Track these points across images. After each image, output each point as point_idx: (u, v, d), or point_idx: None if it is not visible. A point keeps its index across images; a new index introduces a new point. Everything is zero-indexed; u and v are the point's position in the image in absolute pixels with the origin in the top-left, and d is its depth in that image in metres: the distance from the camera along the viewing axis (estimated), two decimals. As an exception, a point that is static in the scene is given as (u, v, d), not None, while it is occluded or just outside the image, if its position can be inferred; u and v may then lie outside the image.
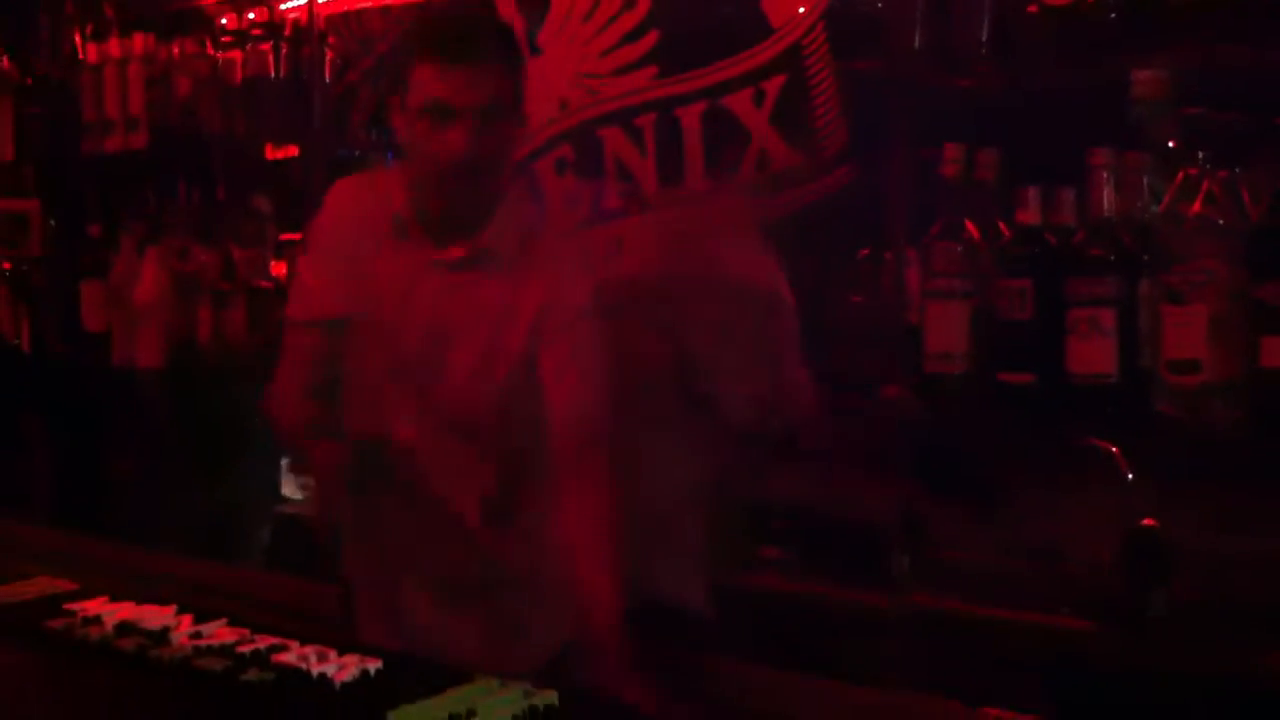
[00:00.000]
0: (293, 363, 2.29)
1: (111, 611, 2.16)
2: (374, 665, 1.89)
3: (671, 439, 2.40)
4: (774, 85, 2.87)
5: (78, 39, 4.05)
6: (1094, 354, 2.21)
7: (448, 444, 2.22)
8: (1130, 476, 2.45)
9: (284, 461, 4.12)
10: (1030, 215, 2.32)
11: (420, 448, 2.22)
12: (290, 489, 4.17)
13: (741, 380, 2.42)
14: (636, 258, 2.46)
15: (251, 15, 3.84)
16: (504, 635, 2.24)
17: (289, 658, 1.92)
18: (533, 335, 2.18)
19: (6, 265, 4.38)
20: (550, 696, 1.78)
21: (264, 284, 3.67)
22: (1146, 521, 2.42)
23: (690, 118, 2.93)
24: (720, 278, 2.49)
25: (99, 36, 3.97)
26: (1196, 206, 2.13)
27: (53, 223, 4.38)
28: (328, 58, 3.61)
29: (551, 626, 2.21)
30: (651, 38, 2.99)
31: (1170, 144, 2.23)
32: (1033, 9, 2.25)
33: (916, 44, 2.42)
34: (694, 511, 2.46)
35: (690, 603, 2.42)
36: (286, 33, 3.67)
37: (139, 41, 3.89)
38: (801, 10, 2.83)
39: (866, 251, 2.75)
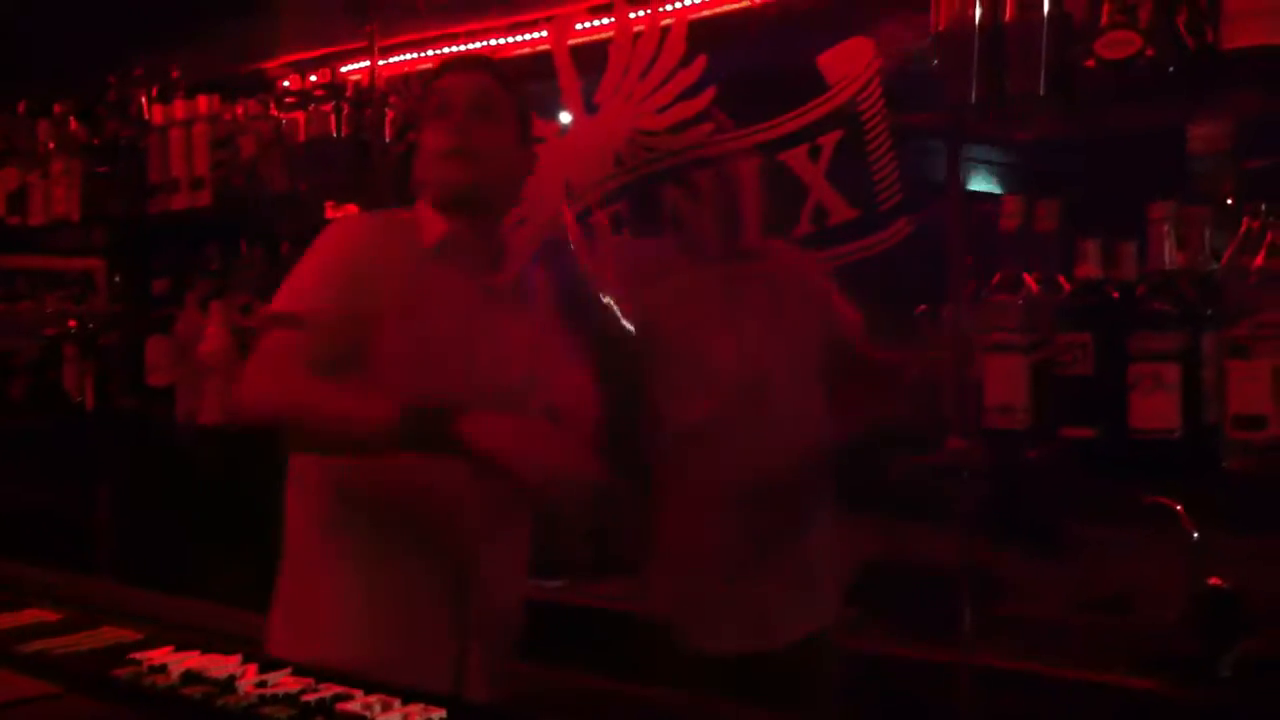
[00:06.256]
0: (274, 355, 2.24)
1: (177, 660, 2.16)
2: (438, 714, 1.89)
3: None
4: (830, 140, 2.90)
5: (145, 101, 4.13)
6: (1157, 409, 2.18)
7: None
8: (1195, 534, 2.42)
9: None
10: (1091, 269, 2.30)
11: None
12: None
13: None
14: None
15: (314, 77, 3.92)
16: None
17: (353, 706, 1.92)
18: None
19: (73, 323, 4.45)
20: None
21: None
22: (1213, 581, 2.38)
23: (748, 173, 2.96)
24: None
25: (165, 98, 4.04)
26: (1260, 259, 2.11)
27: (118, 280, 4.46)
28: (389, 117, 3.67)
29: None
30: (709, 94, 3.02)
31: (1229, 199, 2.22)
32: (1090, 62, 2.25)
33: (973, 97, 2.42)
34: None
35: None
36: (348, 94, 3.73)
37: (204, 103, 3.96)
38: (856, 66, 2.85)
39: (924, 306, 2.74)
